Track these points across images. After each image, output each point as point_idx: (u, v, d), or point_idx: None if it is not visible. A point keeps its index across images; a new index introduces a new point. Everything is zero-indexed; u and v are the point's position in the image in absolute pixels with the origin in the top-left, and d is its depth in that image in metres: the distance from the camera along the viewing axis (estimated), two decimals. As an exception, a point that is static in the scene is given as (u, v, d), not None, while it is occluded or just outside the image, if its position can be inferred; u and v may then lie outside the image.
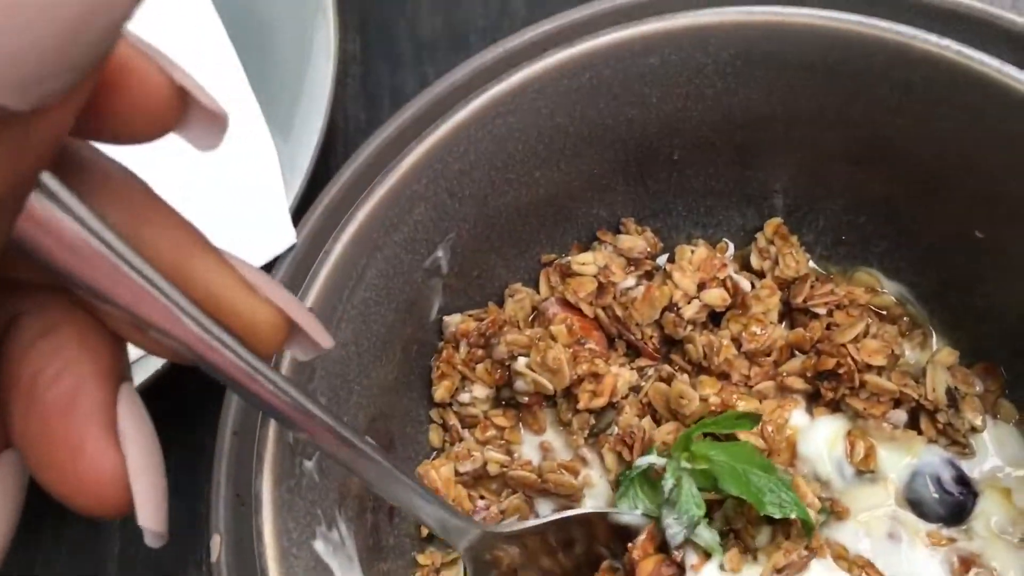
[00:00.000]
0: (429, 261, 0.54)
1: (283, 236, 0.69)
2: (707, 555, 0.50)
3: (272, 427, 0.44)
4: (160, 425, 0.74)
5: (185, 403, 0.74)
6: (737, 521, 0.54)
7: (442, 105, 0.55)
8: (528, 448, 0.61)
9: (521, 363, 0.58)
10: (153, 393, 0.66)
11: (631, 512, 0.53)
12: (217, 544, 0.62)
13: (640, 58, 0.52)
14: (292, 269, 0.67)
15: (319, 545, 0.46)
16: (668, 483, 0.52)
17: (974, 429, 0.56)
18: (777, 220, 0.62)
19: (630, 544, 0.51)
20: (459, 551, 0.47)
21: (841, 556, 0.52)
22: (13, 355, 0.29)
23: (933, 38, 0.48)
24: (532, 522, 0.49)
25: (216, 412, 0.71)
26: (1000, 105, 0.47)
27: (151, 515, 0.31)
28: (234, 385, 0.32)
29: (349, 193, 0.67)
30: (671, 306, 0.58)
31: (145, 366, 0.67)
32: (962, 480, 0.54)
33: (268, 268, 0.69)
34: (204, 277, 0.31)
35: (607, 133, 0.56)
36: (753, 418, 0.54)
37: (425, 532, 0.58)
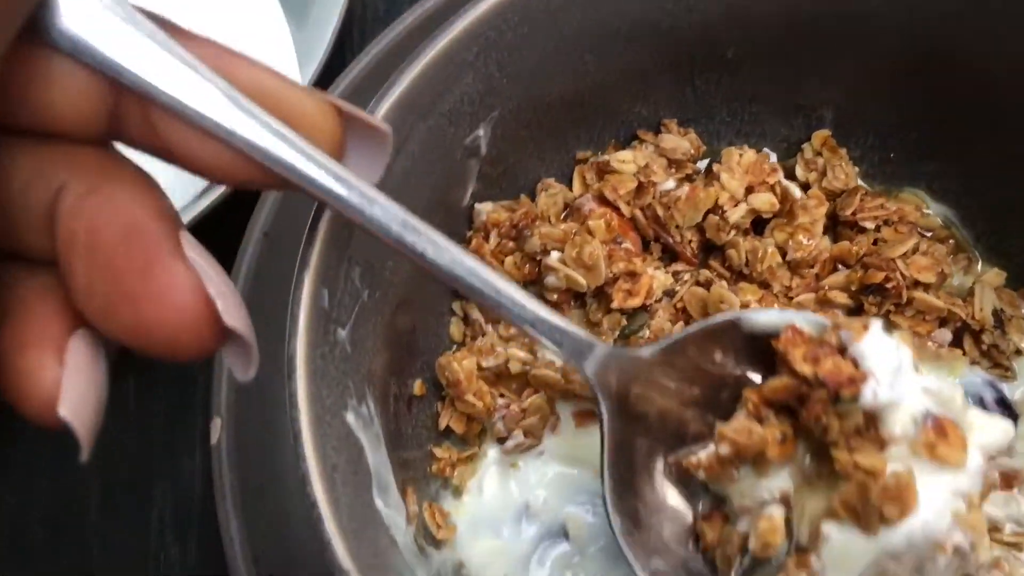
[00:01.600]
0: (470, 138, 0.51)
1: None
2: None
3: (307, 289, 0.41)
4: None
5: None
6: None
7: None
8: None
9: (554, 257, 0.55)
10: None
11: (770, 310, 0.49)
12: (218, 427, 0.60)
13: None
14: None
15: (350, 417, 0.44)
16: None
17: (1018, 352, 0.54)
18: (826, 132, 0.59)
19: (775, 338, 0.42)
20: (585, 375, 0.41)
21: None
22: (65, 218, 0.29)
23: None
24: (665, 340, 0.42)
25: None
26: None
27: (235, 316, 0.29)
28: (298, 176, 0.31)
29: (366, 82, 0.64)
30: (715, 209, 0.55)
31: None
32: (1003, 402, 0.53)
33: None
34: (248, 73, 0.31)
35: (666, 19, 0.53)
36: None
37: (443, 425, 0.56)
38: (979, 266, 0.58)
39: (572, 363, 0.40)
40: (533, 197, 0.59)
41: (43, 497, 0.67)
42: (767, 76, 0.57)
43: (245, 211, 0.64)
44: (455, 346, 0.58)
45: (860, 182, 0.59)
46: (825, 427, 0.37)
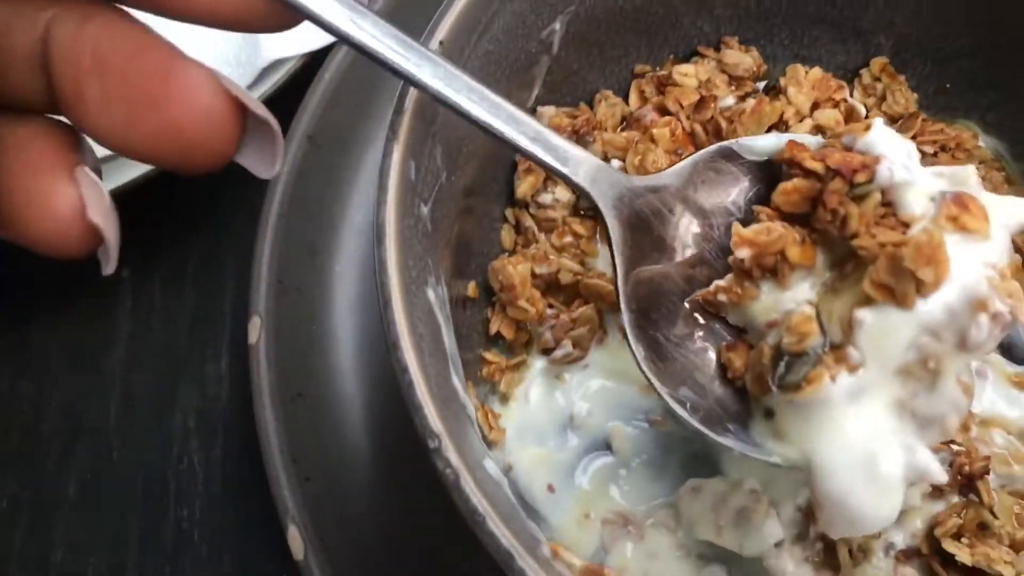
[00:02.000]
0: (546, 32, 0.51)
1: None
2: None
3: (396, 158, 0.40)
4: (183, 217, 0.69)
5: (212, 195, 0.70)
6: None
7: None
8: (602, 262, 0.57)
9: (614, 166, 0.54)
10: (174, 182, 0.62)
11: (767, 135, 0.47)
12: (257, 326, 0.59)
13: None
14: (352, 55, 0.63)
15: (431, 294, 0.43)
16: None
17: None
18: (884, 59, 0.59)
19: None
20: (589, 195, 0.40)
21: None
22: (66, 46, 0.29)
23: None
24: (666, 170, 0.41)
25: (243, 208, 0.67)
26: None
27: (253, 104, 0.30)
28: None
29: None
30: (780, 123, 0.55)
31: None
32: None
33: (322, 56, 0.64)
34: None
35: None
36: None
37: (493, 331, 0.55)
38: (1029, 198, 0.58)
39: (577, 184, 0.39)
40: (592, 107, 0.58)
41: (60, 399, 0.65)
42: (831, -2, 0.57)
43: (287, 114, 0.63)
44: (507, 253, 0.57)
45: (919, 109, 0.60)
46: (844, 219, 0.36)
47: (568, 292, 0.56)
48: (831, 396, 0.36)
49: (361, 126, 0.63)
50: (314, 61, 0.65)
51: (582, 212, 0.57)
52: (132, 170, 0.61)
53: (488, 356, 0.55)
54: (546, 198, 0.56)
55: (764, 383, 0.39)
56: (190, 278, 0.68)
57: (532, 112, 0.56)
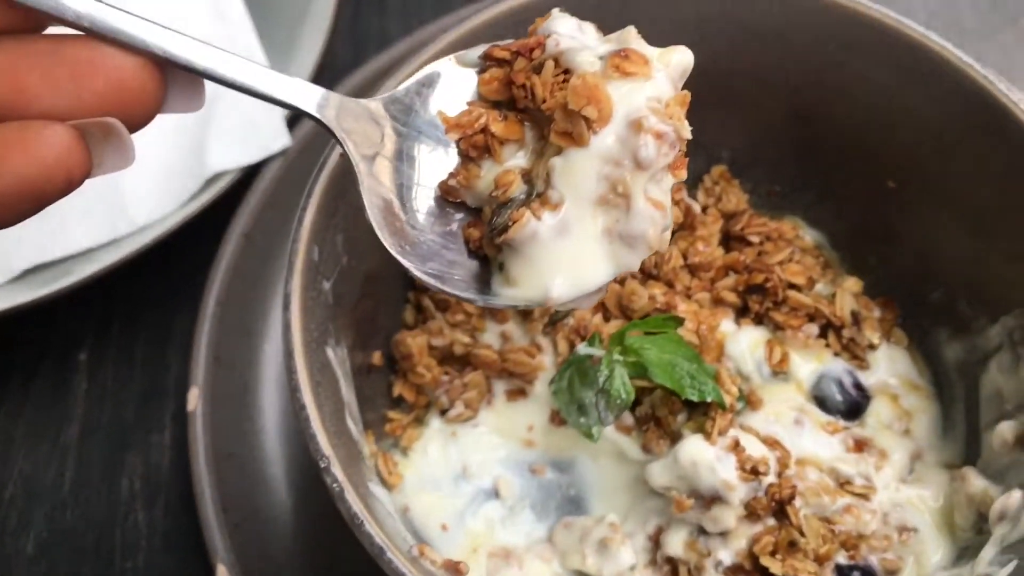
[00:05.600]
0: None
1: (278, 139, 0.77)
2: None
3: (303, 242, 0.51)
4: (134, 305, 0.81)
5: (160, 286, 0.80)
6: (661, 409, 0.63)
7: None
8: (491, 335, 0.68)
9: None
10: (128, 275, 0.72)
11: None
12: (195, 396, 0.69)
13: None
14: (285, 167, 0.75)
15: (330, 352, 0.53)
16: (603, 373, 0.60)
17: (871, 346, 0.66)
18: (723, 167, 0.72)
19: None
20: (324, 121, 0.42)
21: (753, 435, 0.62)
22: None
23: (875, 6, 0.59)
24: (388, 92, 0.46)
25: (187, 295, 0.78)
26: (925, 63, 0.58)
27: None
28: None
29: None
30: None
31: (124, 247, 0.73)
32: (858, 386, 0.65)
33: (259, 167, 0.76)
34: None
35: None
36: (678, 320, 0.62)
37: (395, 393, 0.65)
38: (843, 279, 0.70)
39: (309, 112, 0.41)
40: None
41: (22, 468, 0.74)
42: (676, 117, 0.70)
43: (226, 215, 0.74)
44: (408, 328, 0.68)
45: (748, 207, 0.72)
46: (532, 89, 0.42)
47: (460, 361, 0.67)
48: (540, 233, 0.42)
49: (290, 225, 0.74)
50: (252, 171, 0.76)
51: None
52: (89, 266, 0.71)
53: (391, 415, 0.65)
54: (441, 283, 0.67)
55: (489, 239, 0.44)
56: (139, 359, 0.78)
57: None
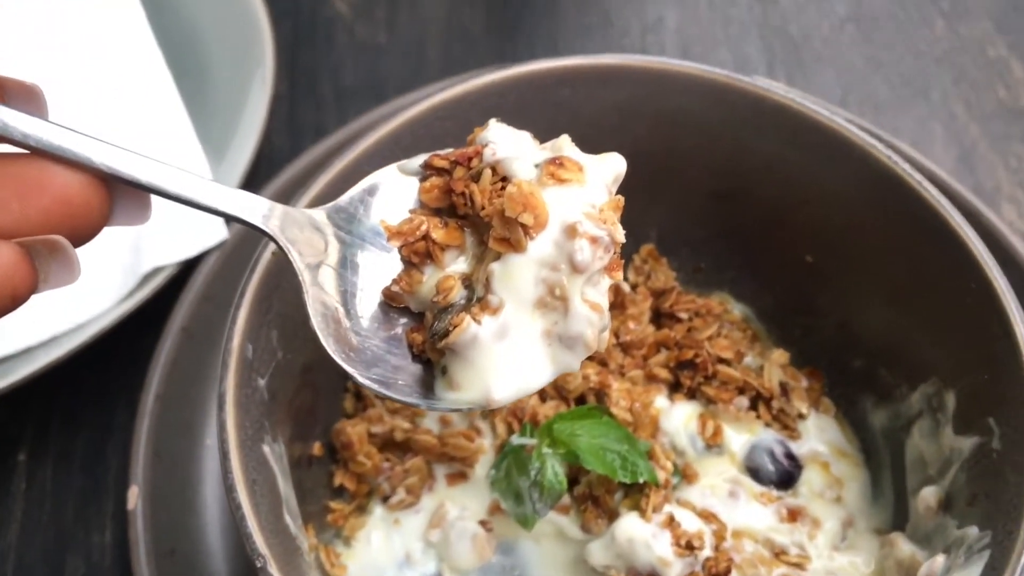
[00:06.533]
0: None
1: (215, 232, 0.78)
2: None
3: (236, 341, 0.52)
4: (73, 402, 0.82)
5: (99, 382, 0.80)
6: (598, 488, 0.64)
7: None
8: (430, 420, 0.69)
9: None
10: (66, 372, 0.72)
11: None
12: (135, 494, 0.68)
13: (552, 89, 0.64)
14: (222, 259, 0.76)
15: (266, 449, 0.54)
16: (534, 467, 0.62)
17: (801, 416, 0.68)
18: (651, 245, 0.74)
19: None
20: (271, 233, 0.43)
21: (689, 509, 0.63)
22: None
23: (783, 91, 0.62)
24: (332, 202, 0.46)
25: (126, 391, 0.78)
26: (832, 143, 0.61)
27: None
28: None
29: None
30: (562, 301, 0.68)
31: (62, 345, 0.73)
32: (790, 456, 0.67)
33: (196, 260, 0.77)
34: None
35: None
36: (602, 409, 0.64)
37: (337, 483, 0.66)
38: (770, 351, 0.72)
39: (255, 225, 0.43)
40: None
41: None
42: (602, 200, 0.72)
43: (165, 309, 0.75)
44: (348, 417, 0.68)
45: (676, 284, 0.74)
46: (471, 196, 0.44)
47: (401, 447, 0.68)
48: (480, 337, 0.42)
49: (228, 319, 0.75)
50: (189, 266, 0.77)
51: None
52: (27, 365, 0.71)
53: (333, 505, 0.65)
54: (379, 371, 0.68)
55: (431, 344, 0.45)
56: (78, 458, 0.77)
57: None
